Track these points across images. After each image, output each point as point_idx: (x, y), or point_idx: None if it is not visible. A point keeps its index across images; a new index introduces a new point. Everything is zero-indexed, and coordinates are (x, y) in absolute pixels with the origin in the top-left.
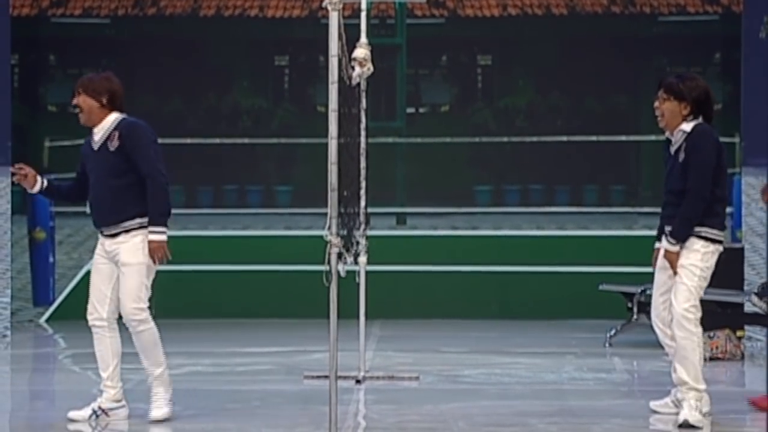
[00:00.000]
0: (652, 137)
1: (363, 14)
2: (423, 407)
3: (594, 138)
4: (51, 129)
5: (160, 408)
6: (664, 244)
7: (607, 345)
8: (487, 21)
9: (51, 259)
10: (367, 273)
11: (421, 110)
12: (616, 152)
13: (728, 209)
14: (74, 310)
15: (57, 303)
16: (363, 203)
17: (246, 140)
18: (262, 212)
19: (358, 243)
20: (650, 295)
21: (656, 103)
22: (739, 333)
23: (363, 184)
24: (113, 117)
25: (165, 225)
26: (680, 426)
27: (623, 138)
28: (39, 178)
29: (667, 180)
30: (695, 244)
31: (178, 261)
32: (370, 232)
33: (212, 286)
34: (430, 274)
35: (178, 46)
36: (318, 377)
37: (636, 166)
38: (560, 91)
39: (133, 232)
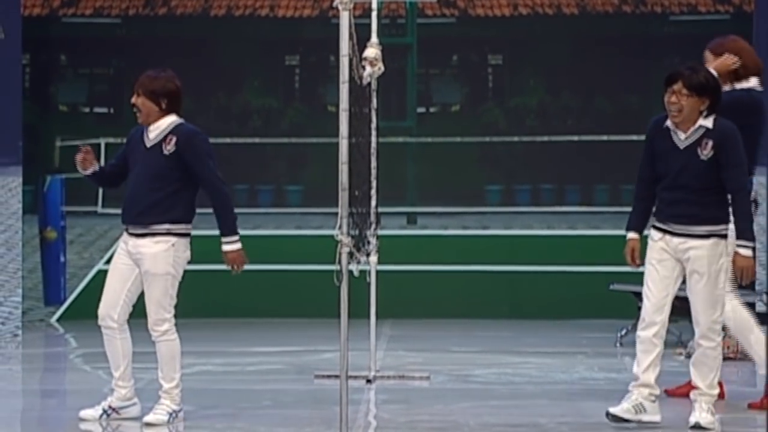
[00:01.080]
0: None
1: (374, 14)
2: (434, 407)
3: (605, 137)
4: (62, 128)
5: (157, 415)
6: (741, 251)
7: (617, 345)
8: (498, 20)
9: (62, 259)
10: (378, 272)
11: (432, 110)
12: (627, 152)
13: None
14: (85, 310)
15: (68, 302)
16: (374, 203)
17: (256, 140)
18: (272, 212)
19: (368, 242)
20: None
21: (672, 98)
22: None
23: (374, 184)
24: (170, 119)
25: (236, 233)
26: (692, 428)
27: (634, 137)
28: (96, 163)
29: (678, 176)
30: (729, 246)
31: (189, 260)
32: (380, 232)
33: (223, 286)
34: (440, 274)
35: (189, 45)
36: (329, 377)
37: None
38: (571, 90)
39: (158, 237)
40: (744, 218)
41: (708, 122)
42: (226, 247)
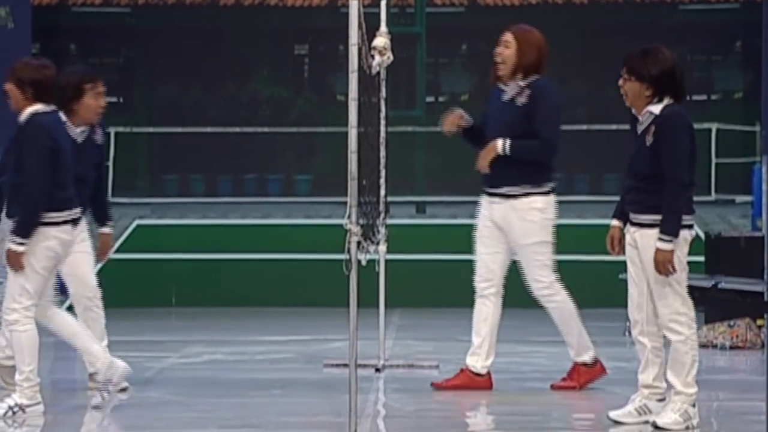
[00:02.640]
0: None
1: (383, 3)
2: (442, 395)
3: (614, 126)
4: None
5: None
6: (660, 245)
7: (626, 334)
8: (507, 9)
9: None
10: (387, 262)
11: (441, 99)
12: None
13: (749, 198)
14: None
15: None
16: (383, 192)
17: (266, 129)
18: (282, 201)
19: (377, 232)
20: None
21: (620, 82)
22: (759, 322)
23: (383, 173)
24: (30, 110)
25: (25, 236)
26: (653, 426)
27: None
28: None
29: (633, 162)
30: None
31: (198, 249)
32: (389, 221)
33: (232, 275)
34: (449, 263)
35: (198, 35)
36: (338, 365)
37: None
38: (581, 79)
39: None
40: (669, 210)
41: (657, 108)
42: (8, 244)
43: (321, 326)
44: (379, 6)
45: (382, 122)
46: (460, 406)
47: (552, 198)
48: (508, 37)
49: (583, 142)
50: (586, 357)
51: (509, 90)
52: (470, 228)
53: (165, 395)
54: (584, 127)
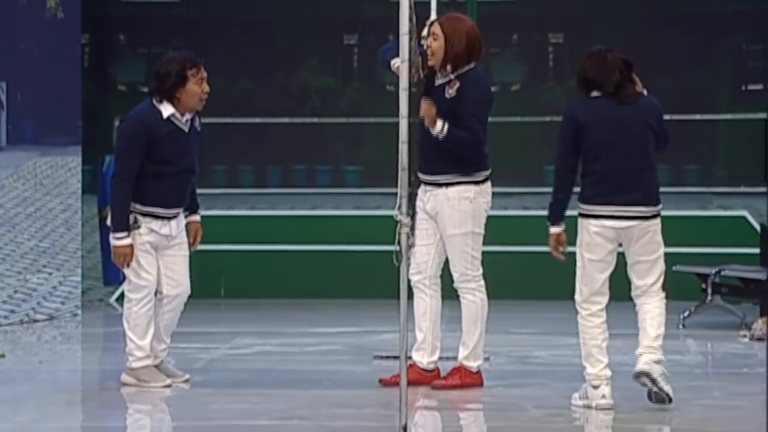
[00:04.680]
0: (728, 116)
1: None
2: (493, 388)
3: (667, 117)
4: (121, 108)
5: None
6: None
7: (680, 326)
8: None
9: None
10: None
11: (492, 89)
12: (690, 131)
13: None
14: None
15: None
16: None
17: (315, 120)
18: (331, 192)
19: None
20: (725, 276)
21: None
22: None
23: None
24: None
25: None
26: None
27: (697, 116)
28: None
29: None
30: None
31: (247, 241)
32: None
33: (281, 266)
34: (499, 255)
35: (247, 25)
36: (388, 357)
37: (710, 146)
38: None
39: None
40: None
41: None
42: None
43: (370, 318)
44: None
45: None
46: (511, 398)
47: (486, 187)
48: (436, 28)
49: None
50: (474, 364)
51: (441, 78)
52: (520, 219)
53: (215, 387)
54: None
